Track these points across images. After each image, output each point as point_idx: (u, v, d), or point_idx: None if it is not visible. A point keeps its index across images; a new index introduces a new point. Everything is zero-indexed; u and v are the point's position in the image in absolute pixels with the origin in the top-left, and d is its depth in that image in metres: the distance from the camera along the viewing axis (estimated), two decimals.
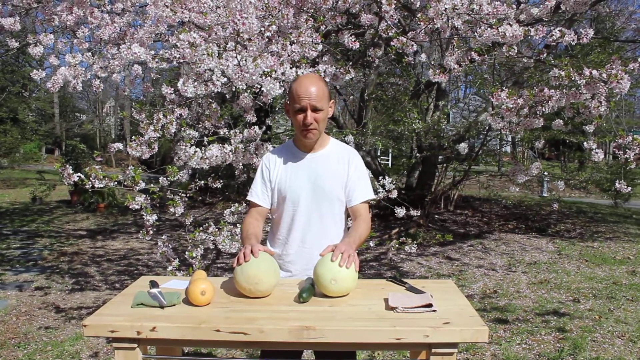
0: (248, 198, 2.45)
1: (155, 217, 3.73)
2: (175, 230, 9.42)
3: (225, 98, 4.90)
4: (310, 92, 2.20)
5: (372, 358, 3.95)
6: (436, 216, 10.77)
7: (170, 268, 3.95)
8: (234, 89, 3.65)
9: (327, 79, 3.69)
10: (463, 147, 6.51)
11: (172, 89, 3.69)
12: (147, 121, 3.55)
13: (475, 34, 3.37)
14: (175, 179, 3.81)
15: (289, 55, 3.44)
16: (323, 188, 2.33)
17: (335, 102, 2.47)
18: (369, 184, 2.43)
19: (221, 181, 4.47)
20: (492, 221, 10.74)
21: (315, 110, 2.23)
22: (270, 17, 3.49)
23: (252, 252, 2.02)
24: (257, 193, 2.42)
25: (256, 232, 2.31)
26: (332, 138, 2.48)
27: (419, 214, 5.41)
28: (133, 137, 3.56)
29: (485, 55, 3.59)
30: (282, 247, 2.42)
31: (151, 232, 3.88)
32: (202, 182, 4.47)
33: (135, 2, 3.76)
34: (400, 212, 4.78)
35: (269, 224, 2.59)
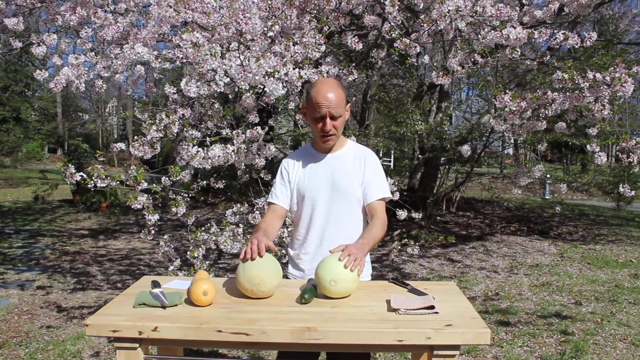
0: (267, 200, 2.51)
1: (157, 217, 3.73)
2: (177, 230, 9.42)
3: (227, 98, 4.89)
4: (329, 100, 2.22)
5: None
6: (438, 218, 10.76)
7: (171, 268, 3.95)
8: (236, 89, 3.65)
9: None
10: (465, 149, 6.51)
11: (175, 89, 3.69)
12: (150, 121, 3.55)
13: (479, 36, 3.37)
14: (177, 179, 3.81)
15: (292, 56, 3.44)
16: (341, 187, 2.36)
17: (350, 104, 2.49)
18: (385, 182, 2.45)
19: (223, 181, 4.48)
20: (494, 223, 10.72)
21: (333, 117, 2.26)
22: (274, 17, 3.49)
23: (258, 248, 2.03)
24: (277, 194, 2.46)
25: (267, 228, 2.33)
26: (349, 140, 2.52)
27: (421, 216, 5.41)
28: (135, 137, 3.56)
29: (488, 57, 3.58)
30: (301, 247, 2.45)
31: (153, 232, 3.88)
32: (204, 182, 4.47)
33: (138, 2, 3.76)
34: (402, 214, 4.78)
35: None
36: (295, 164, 2.45)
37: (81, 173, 3.45)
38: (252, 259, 1.99)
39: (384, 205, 2.43)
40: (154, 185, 3.99)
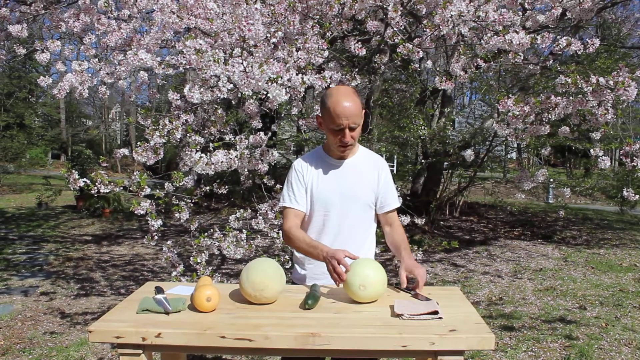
0: (286, 205, 2.41)
1: (160, 222, 3.73)
2: (180, 236, 9.42)
3: (230, 104, 4.90)
4: (349, 112, 2.21)
5: None
6: (441, 223, 10.74)
7: (174, 273, 3.95)
8: (239, 95, 3.66)
9: (333, 86, 3.70)
10: (468, 153, 6.50)
11: (178, 95, 3.70)
12: (153, 127, 3.56)
13: (482, 41, 3.38)
14: (180, 184, 3.82)
15: (295, 62, 3.44)
16: (354, 194, 2.37)
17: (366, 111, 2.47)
18: (396, 192, 2.49)
19: (226, 187, 4.48)
20: (498, 228, 10.70)
21: (352, 128, 2.25)
22: (276, 23, 3.50)
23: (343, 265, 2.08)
24: (296, 198, 2.39)
25: (315, 240, 2.32)
26: (361, 145, 2.51)
27: (424, 221, 5.40)
28: (139, 142, 3.57)
29: (491, 62, 3.59)
30: None
31: (156, 237, 3.88)
32: (208, 187, 4.47)
33: (141, 8, 3.78)
34: (405, 219, 4.77)
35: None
36: (308, 167, 2.42)
37: (84, 179, 3.46)
38: (347, 271, 2.04)
39: (396, 211, 2.50)
40: (157, 190, 3.99)
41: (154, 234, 3.85)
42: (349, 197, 2.36)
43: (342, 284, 2.06)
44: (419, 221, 5.17)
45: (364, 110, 2.33)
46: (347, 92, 2.27)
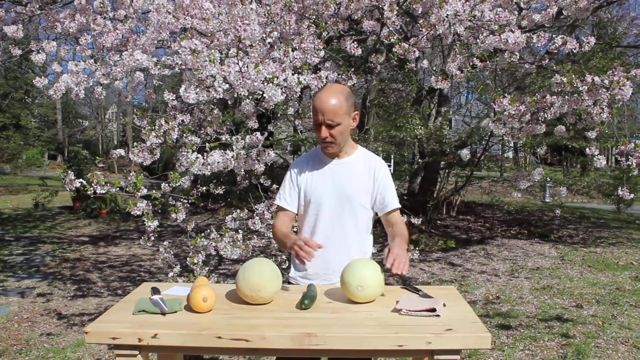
0: (276, 203, 2.49)
1: (156, 223, 3.73)
2: (177, 237, 9.41)
3: (227, 104, 4.90)
4: (325, 108, 2.20)
5: None
6: (438, 222, 10.75)
7: (171, 274, 3.94)
8: (235, 95, 3.66)
9: None
10: (465, 153, 6.52)
11: (174, 95, 3.70)
12: (149, 127, 3.55)
13: (478, 40, 3.38)
14: (177, 185, 3.81)
15: (290, 62, 3.44)
16: (347, 194, 2.36)
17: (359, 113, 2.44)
18: (395, 193, 2.47)
19: (223, 187, 4.47)
20: (495, 227, 10.72)
21: (329, 125, 2.24)
22: (272, 23, 3.50)
23: (310, 245, 2.09)
24: (286, 197, 2.45)
25: (290, 231, 2.37)
26: (360, 147, 2.49)
27: (421, 220, 5.40)
28: (135, 143, 3.57)
29: (487, 61, 3.59)
30: None
31: (152, 238, 3.87)
32: (204, 188, 4.47)
33: (137, 8, 3.77)
34: (402, 218, 4.77)
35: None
36: (303, 167, 2.44)
37: (81, 179, 3.45)
38: (311, 256, 2.06)
39: (399, 213, 2.49)
40: (154, 191, 3.98)
41: (151, 234, 3.84)
42: (341, 197, 2.35)
43: (339, 282, 2.07)
44: (416, 221, 5.18)
45: (356, 112, 2.33)
46: (331, 89, 2.29)
